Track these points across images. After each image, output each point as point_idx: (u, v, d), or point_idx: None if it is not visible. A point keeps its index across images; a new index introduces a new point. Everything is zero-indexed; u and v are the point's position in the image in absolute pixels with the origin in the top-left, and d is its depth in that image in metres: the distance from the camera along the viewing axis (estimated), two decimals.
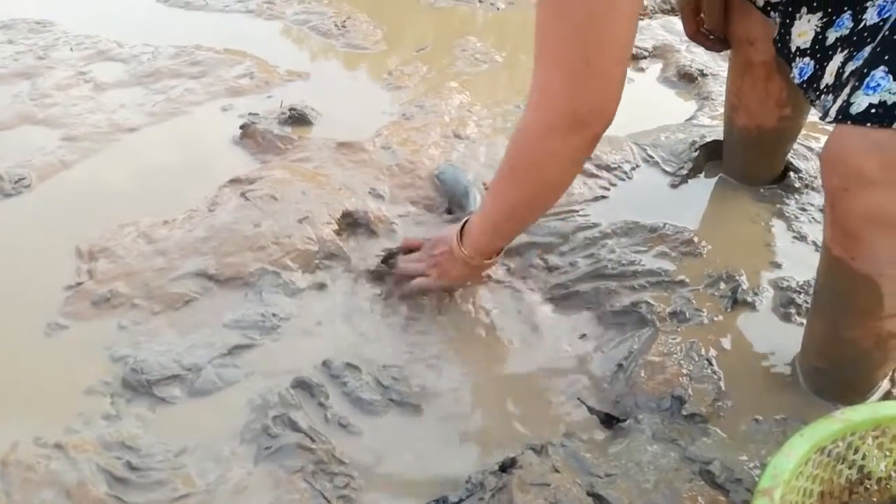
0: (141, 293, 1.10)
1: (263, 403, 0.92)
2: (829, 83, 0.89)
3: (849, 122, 0.74)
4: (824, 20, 0.92)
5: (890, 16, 0.78)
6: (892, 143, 0.71)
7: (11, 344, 1.03)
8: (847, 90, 0.77)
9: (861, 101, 0.73)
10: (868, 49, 0.79)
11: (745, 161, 1.31)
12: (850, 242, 0.79)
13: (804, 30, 0.95)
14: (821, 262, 0.87)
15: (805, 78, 0.94)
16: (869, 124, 0.72)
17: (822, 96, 0.91)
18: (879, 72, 0.73)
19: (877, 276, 0.79)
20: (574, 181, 1.01)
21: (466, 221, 1.05)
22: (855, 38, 0.85)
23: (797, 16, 0.96)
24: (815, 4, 0.93)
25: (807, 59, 0.95)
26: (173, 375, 0.96)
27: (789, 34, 0.98)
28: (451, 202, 1.30)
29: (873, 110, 0.72)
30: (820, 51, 0.92)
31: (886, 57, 0.74)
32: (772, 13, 1.04)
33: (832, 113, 0.77)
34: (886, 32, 0.76)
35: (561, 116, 0.85)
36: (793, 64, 0.98)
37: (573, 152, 0.89)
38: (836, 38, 0.89)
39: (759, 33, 1.11)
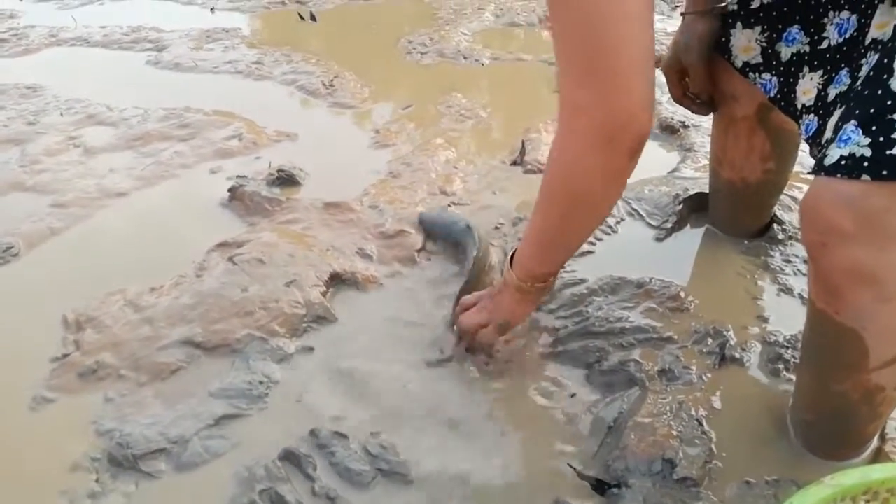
0: (128, 364, 1.09)
1: (250, 476, 0.91)
2: (829, 138, 0.90)
3: (822, 174, 0.75)
4: (825, 77, 0.95)
5: (871, 72, 0.80)
6: (865, 198, 0.72)
7: None
8: (825, 143, 0.79)
9: (833, 154, 0.74)
10: None
11: (732, 213, 1.33)
12: (832, 296, 0.79)
13: (808, 87, 0.97)
14: (807, 314, 0.87)
15: (810, 134, 0.97)
16: (839, 175, 0.73)
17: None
18: (850, 125, 0.75)
19: (861, 330, 0.79)
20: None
21: (515, 250, 1.02)
22: (852, 94, 0.86)
23: (800, 75, 0.99)
24: (815, 63, 0.96)
25: (811, 116, 0.97)
26: (159, 449, 0.95)
27: (794, 92, 1.00)
28: (449, 242, 1.33)
29: (843, 162, 0.73)
30: (822, 107, 0.94)
31: (857, 111, 0.75)
32: (751, 74, 1.07)
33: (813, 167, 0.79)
34: (859, 87, 0.78)
35: (588, 133, 0.82)
36: (800, 121, 1.00)
37: (608, 168, 0.85)
38: (836, 95, 0.91)
39: (742, 89, 1.13)
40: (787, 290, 1.20)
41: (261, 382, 1.06)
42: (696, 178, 1.52)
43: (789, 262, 1.26)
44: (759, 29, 1.03)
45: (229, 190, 1.54)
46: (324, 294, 1.23)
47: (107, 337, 1.14)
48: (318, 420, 1.00)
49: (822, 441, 0.91)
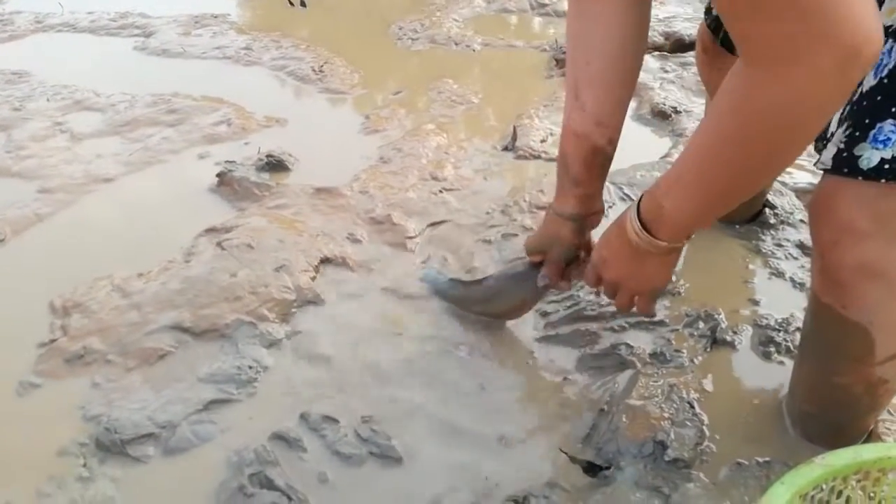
0: (115, 349, 1.08)
1: (239, 461, 0.90)
2: (832, 132, 0.84)
3: (860, 178, 0.70)
4: None
5: (887, 64, 0.73)
6: (883, 197, 0.70)
7: None
8: (843, 138, 0.73)
9: (870, 156, 0.70)
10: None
11: None
12: (841, 292, 0.78)
13: None
14: (809, 307, 0.85)
15: None
16: (883, 180, 0.69)
17: (829, 145, 0.88)
18: (888, 125, 0.70)
19: (868, 325, 0.77)
20: None
21: (638, 211, 0.82)
22: (863, 88, 0.83)
23: None
24: None
25: None
26: (147, 434, 0.94)
27: None
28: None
29: (887, 166, 0.69)
30: None
31: (894, 109, 0.70)
32: None
33: (826, 161, 0.74)
34: (885, 81, 0.71)
35: (828, 62, 0.59)
36: None
37: (844, 91, 0.63)
38: None
39: None
40: (779, 274, 1.20)
41: (250, 367, 1.05)
42: None
43: (781, 245, 1.26)
44: None
45: (218, 175, 1.52)
46: (313, 279, 1.22)
47: (94, 322, 1.13)
48: (308, 404, 0.99)
49: (821, 431, 0.91)
